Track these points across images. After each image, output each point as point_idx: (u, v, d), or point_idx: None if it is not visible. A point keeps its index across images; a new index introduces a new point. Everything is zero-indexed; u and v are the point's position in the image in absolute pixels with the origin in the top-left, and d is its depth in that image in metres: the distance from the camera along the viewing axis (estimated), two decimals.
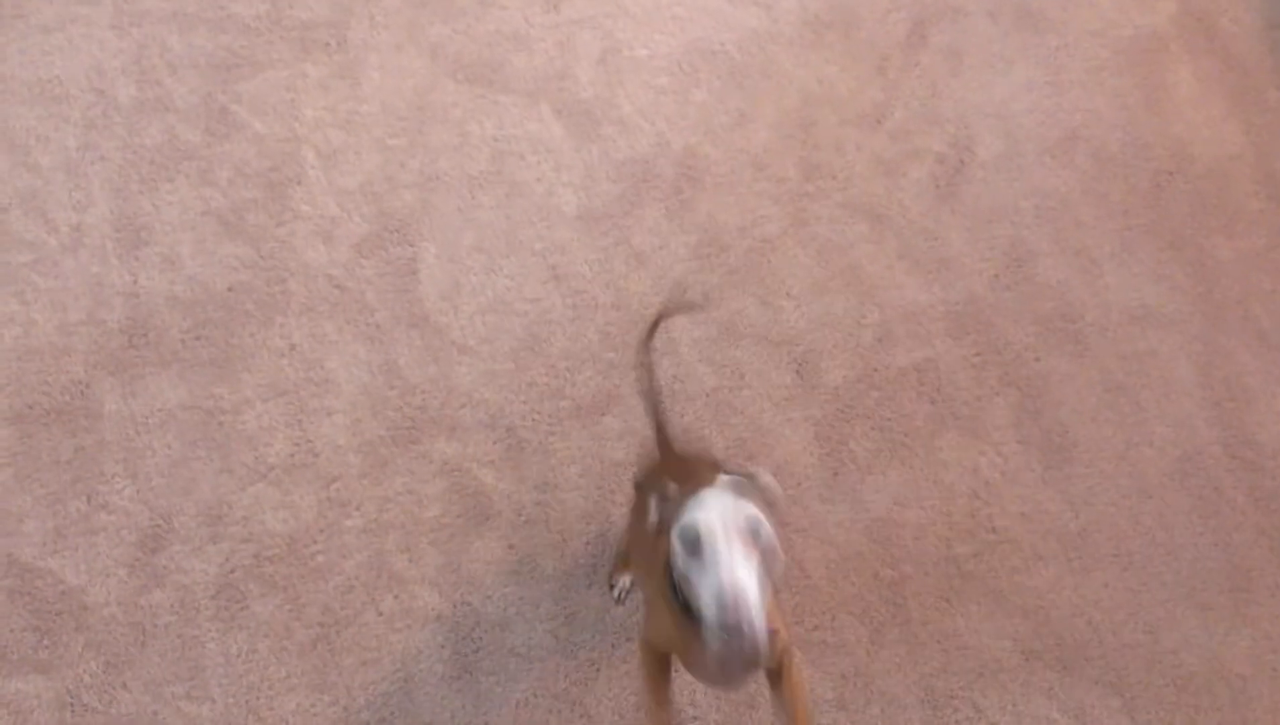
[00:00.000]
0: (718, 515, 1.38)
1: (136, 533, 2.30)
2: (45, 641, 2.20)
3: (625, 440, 2.40)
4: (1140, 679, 2.15)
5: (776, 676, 1.63)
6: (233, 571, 2.26)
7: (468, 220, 2.63)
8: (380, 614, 2.23)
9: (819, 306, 2.54)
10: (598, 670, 2.21)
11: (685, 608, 1.44)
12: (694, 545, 1.38)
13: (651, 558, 1.62)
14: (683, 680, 2.12)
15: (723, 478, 1.48)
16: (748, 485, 1.46)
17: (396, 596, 2.25)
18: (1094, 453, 2.37)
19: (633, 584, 2.21)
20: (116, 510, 2.32)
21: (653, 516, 1.55)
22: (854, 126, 2.72)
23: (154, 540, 2.29)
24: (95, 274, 2.54)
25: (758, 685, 2.15)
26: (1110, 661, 2.17)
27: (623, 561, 2.19)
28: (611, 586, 2.24)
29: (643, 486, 1.79)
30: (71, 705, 2.15)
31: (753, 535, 1.38)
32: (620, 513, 2.33)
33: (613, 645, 2.24)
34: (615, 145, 2.68)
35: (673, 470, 1.73)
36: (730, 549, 1.35)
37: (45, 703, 2.15)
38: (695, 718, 2.13)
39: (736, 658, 1.33)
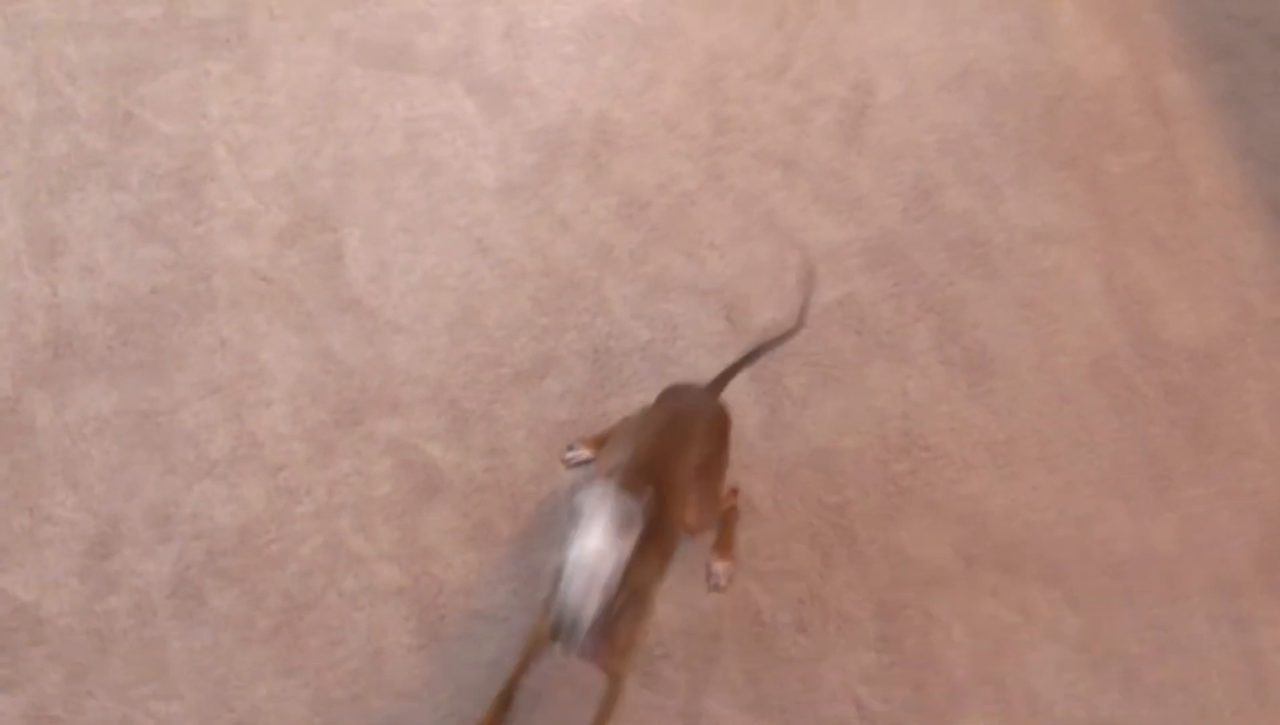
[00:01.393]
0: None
1: (84, 541, 2.27)
2: (4, 659, 2.17)
3: (566, 400, 2.44)
4: (1076, 570, 2.27)
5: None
6: (187, 569, 2.25)
7: (388, 202, 2.65)
8: (341, 594, 2.25)
9: (742, 254, 2.61)
10: None
11: None
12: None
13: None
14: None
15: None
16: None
17: (356, 575, 2.26)
18: (1012, 366, 2.49)
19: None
20: (61, 522, 2.29)
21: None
22: (758, 79, 2.80)
23: (103, 547, 2.27)
24: (13, 289, 2.50)
25: (721, 619, 2.22)
26: (1047, 557, 2.29)
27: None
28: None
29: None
30: (38, 719, 2.12)
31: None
32: (569, 470, 2.37)
33: None
34: (528, 116, 2.72)
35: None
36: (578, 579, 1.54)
37: (12, 720, 2.12)
38: (663, 655, 2.19)
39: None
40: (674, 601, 2.23)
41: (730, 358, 2.43)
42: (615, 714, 1.95)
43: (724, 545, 2.22)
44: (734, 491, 2.22)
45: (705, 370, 2.47)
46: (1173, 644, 2.20)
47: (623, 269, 2.59)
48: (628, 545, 1.55)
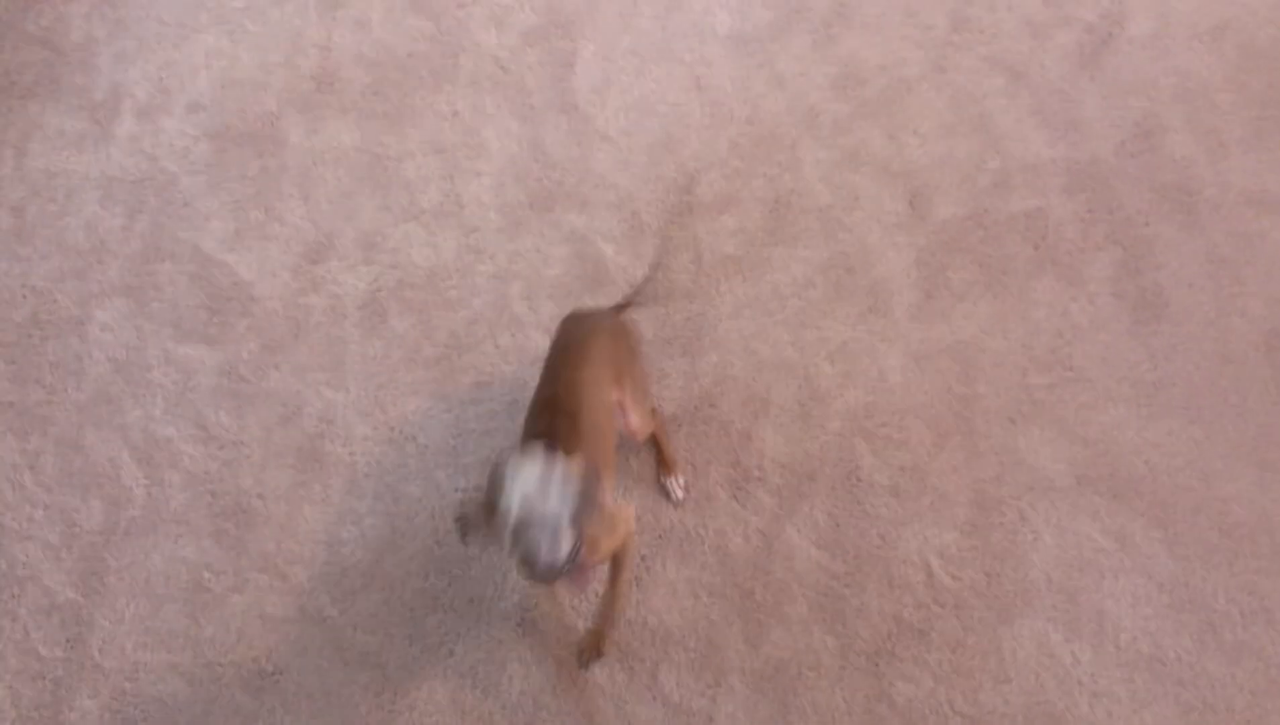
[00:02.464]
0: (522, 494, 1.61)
1: (303, 245, 2.63)
2: (215, 320, 2.57)
3: (736, 238, 2.59)
4: (1186, 518, 2.26)
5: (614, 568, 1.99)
6: (379, 290, 2.57)
7: (627, 26, 2.85)
8: (497, 347, 2.51)
9: (942, 147, 2.66)
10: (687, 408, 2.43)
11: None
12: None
13: None
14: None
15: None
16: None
17: (513, 335, 2.52)
18: (1185, 315, 2.45)
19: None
20: (288, 224, 2.65)
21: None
22: None
23: (316, 253, 2.62)
24: (296, 26, 2.87)
25: (821, 464, 2.34)
26: (1160, 498, 2.28)
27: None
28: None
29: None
30: (229, 374, 2.51)
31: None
32: (726, 301, 2.53)
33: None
34: None
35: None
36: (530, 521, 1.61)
37: (208, 368, 2.52)
38: (760, 478, 2.35)
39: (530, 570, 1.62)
40: (781, 435, 2.37)
41: (902, 240, 2.52)
42: (629, 571, 2.06)
43: (666, 462, 2.29)
44: (654, 411, 2.25)
45: (872, 245, 2.56)
46: (1262, 612, 2.17)
47: (823, 134, 2.70)
48: (573, 497, 1.61)
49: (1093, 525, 2.26)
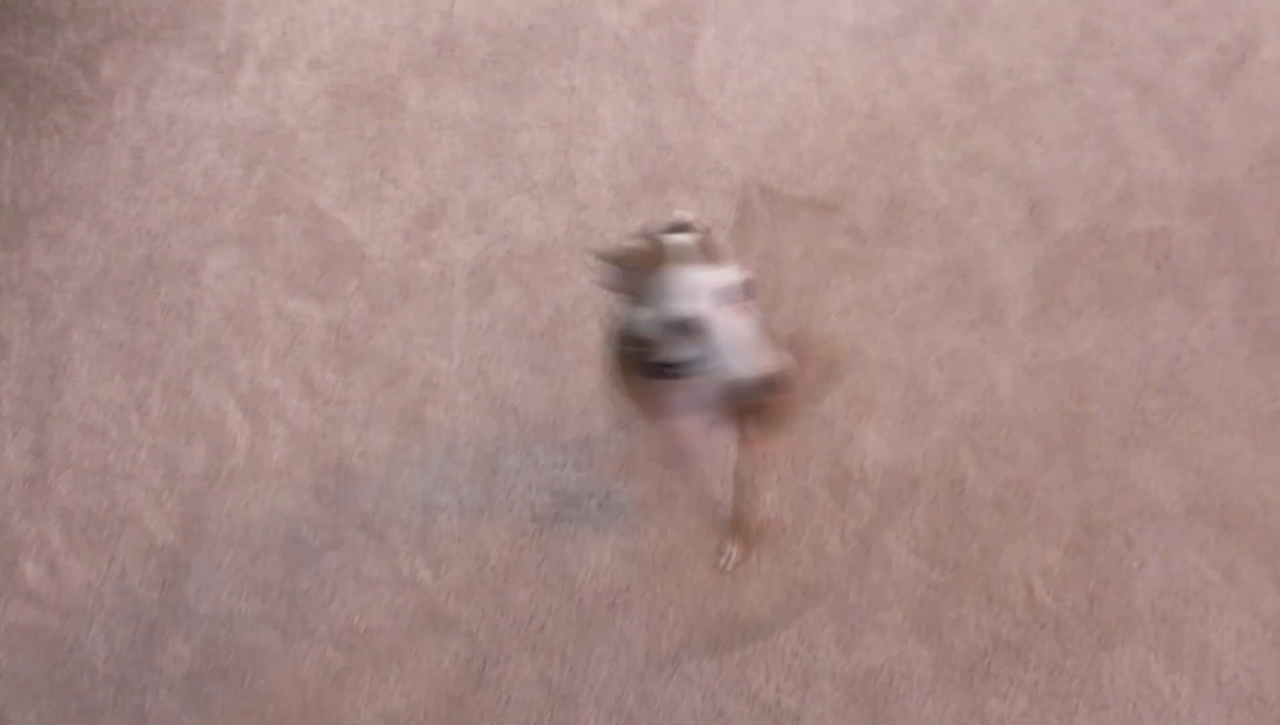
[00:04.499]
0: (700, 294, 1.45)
1: (415, 209, 2.64)
2: (326, 276, 2.58)
3: (850, 236, 2.56)
4: None
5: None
6: (488, 261, 2.57)
7: (750, 12, 2.82)
8: (601, 326, 2.50)
9: (1067, 158, 2.61)
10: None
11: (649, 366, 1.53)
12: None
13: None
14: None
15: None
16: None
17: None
18: None
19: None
20: (403, 187, 2.66)
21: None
22: (1143, 2, 2.74)
23: (429, 218, 2.62)
24: None
25: (925, 471, 2.32)
26: (1271, 534, 2.22)
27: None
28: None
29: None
30: (338, 332, 2.52)
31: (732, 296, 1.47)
32: (835, 298, 2.50)
33: None
34: None
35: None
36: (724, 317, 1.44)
37: (317, 324, 2.53)
38: (860, 480, 2.32)
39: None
40: (884, 438, 2.34)
41: (1020, 249, 2.47)
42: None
43: (738, 523, 2.22)
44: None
45: (989, 251, 2.52)
46: None
47: (944, 135, 2.65)
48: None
49: (1200, 556, 2.22)
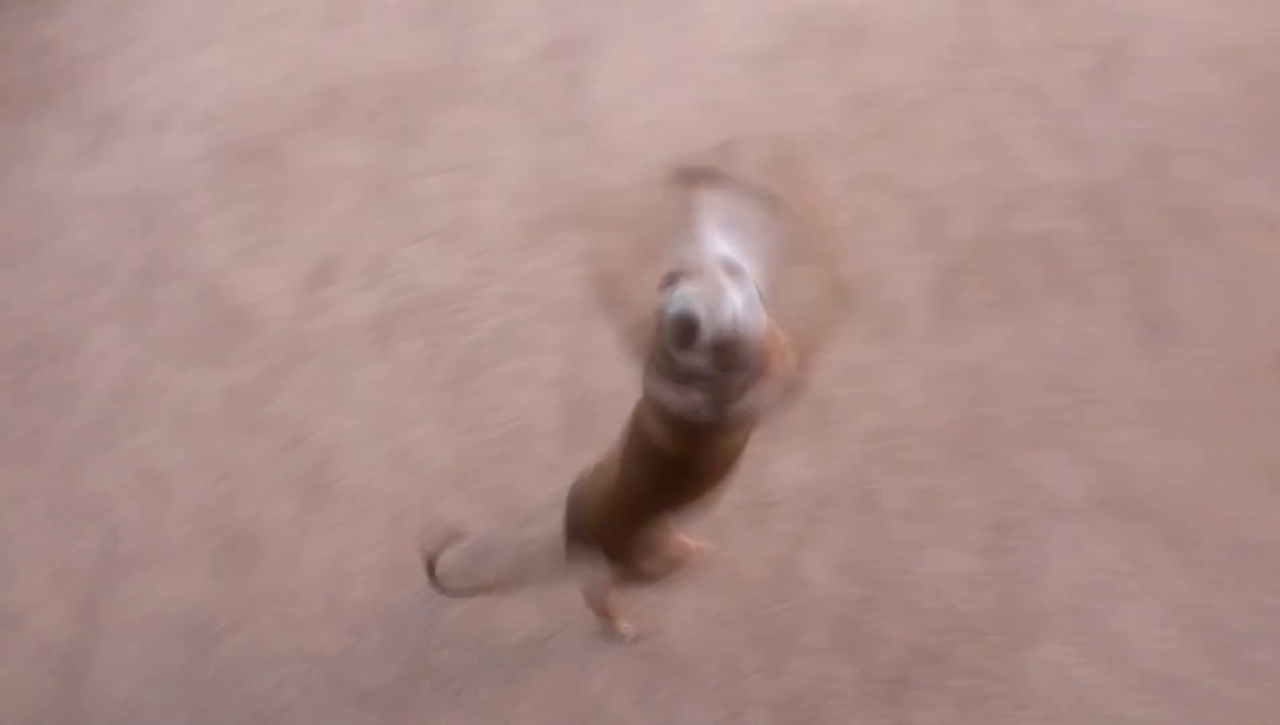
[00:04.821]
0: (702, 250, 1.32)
1: (309, 266, 2.60)
2: (219, 343, 2.53)
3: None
4: (1199, 539, 2.25)
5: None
6: (386, 313, 2.54)
7: (640, 45, 2.84)
8: (507, 372, 2.48)
9: (955, 168, 2.66)
10: None
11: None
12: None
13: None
14: None
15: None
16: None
17: (522, 359, 2.49)
18: (1195, 336, 2.45)
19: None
20: (294, 244, 2.62)
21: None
22: (1021, 8, 2.81)
23: (323, 275, 2.59)
24: (304, 43, 2.84)
25: (837, 489, 2.32)
26: (1174, 520, 2.27)
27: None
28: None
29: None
30: (233, 399, 2.47)
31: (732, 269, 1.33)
32: None
33: None
34: None
35: None
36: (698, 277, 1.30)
37: (212, 393, 2.48)
38: (773, 504, 2.33)
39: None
40: (795, 460, 2.35)
41: (916, 261, 2.51)
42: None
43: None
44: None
45: (890, 266, 2.55)
46: (1275, 632, 2.16)
47: (837, 154, 2.69)
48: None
49: (1108, 548, 2.25)
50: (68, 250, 2.63)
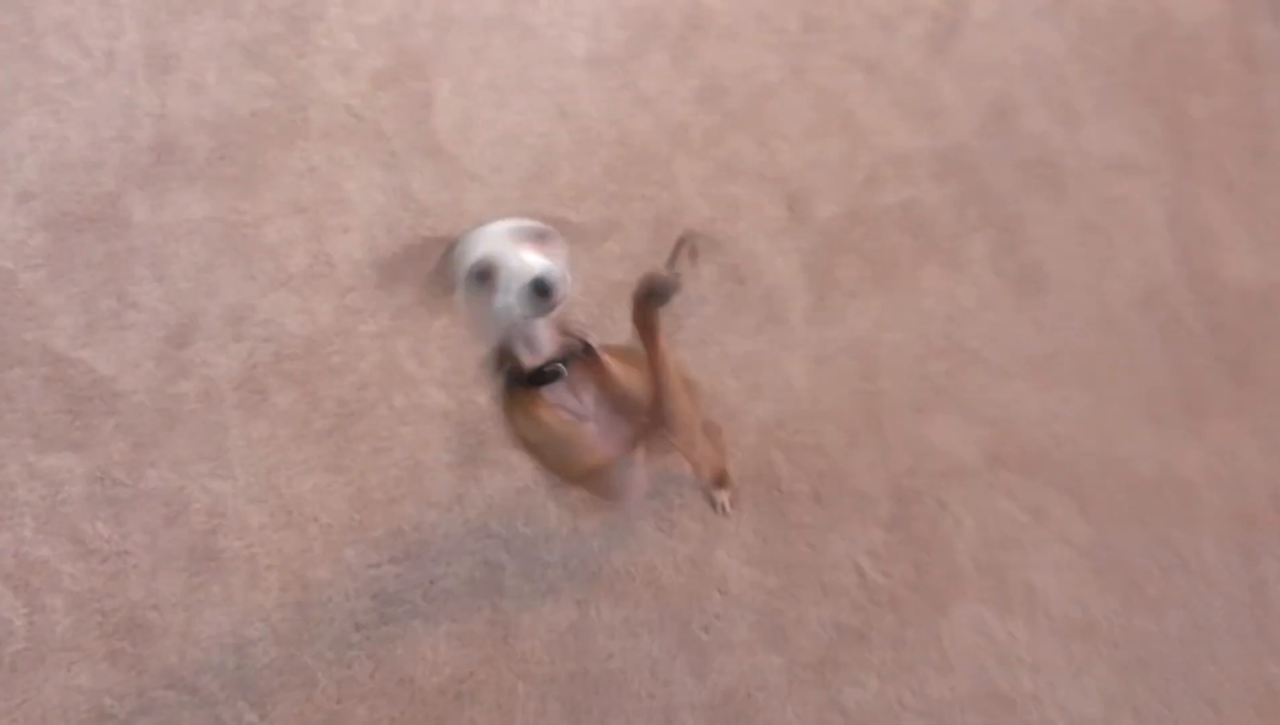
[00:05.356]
0: (496, 239, 1.39)
1: (164, 329, 2.45)
2: (78, 423, 2.37)
3: (624, 263, 2.54)
4: (1095, 483, 2.32)
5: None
6: (255, 367, 2.42)
7: (480, 59, 2.76)
8: (391, 409, 2.39)
9: (812, 149, 2.67)
10: None
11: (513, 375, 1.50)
12: (485, 273, 1.37)
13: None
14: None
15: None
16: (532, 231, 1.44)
17: (407, 394, 2.40)
18: (1065, 285, 2.52)
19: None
20: (145, 309, 2.47)
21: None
22: None
23: (181, 336, 2.45)
24: (126, 96, 2.68)
25: (741, 482, 2.31)
26: (1068, 467, 2.33)
27: None
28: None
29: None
30: (102, 480, 2.31)
31: (539, 237, 1.40)
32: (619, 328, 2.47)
33: None
34: None
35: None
36: (520, 251, 1.36)
37: (78, 477, 2.32)
38: (682, 505, 2.30)
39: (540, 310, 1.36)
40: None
41: (788, 245, 2.52)
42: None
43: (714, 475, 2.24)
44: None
45: (760, 253, 2.55)
46: (1179, 564, 2.24)
47: (695, 149, 2.67)
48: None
49: (1009, 503, 2.30)
50: None
